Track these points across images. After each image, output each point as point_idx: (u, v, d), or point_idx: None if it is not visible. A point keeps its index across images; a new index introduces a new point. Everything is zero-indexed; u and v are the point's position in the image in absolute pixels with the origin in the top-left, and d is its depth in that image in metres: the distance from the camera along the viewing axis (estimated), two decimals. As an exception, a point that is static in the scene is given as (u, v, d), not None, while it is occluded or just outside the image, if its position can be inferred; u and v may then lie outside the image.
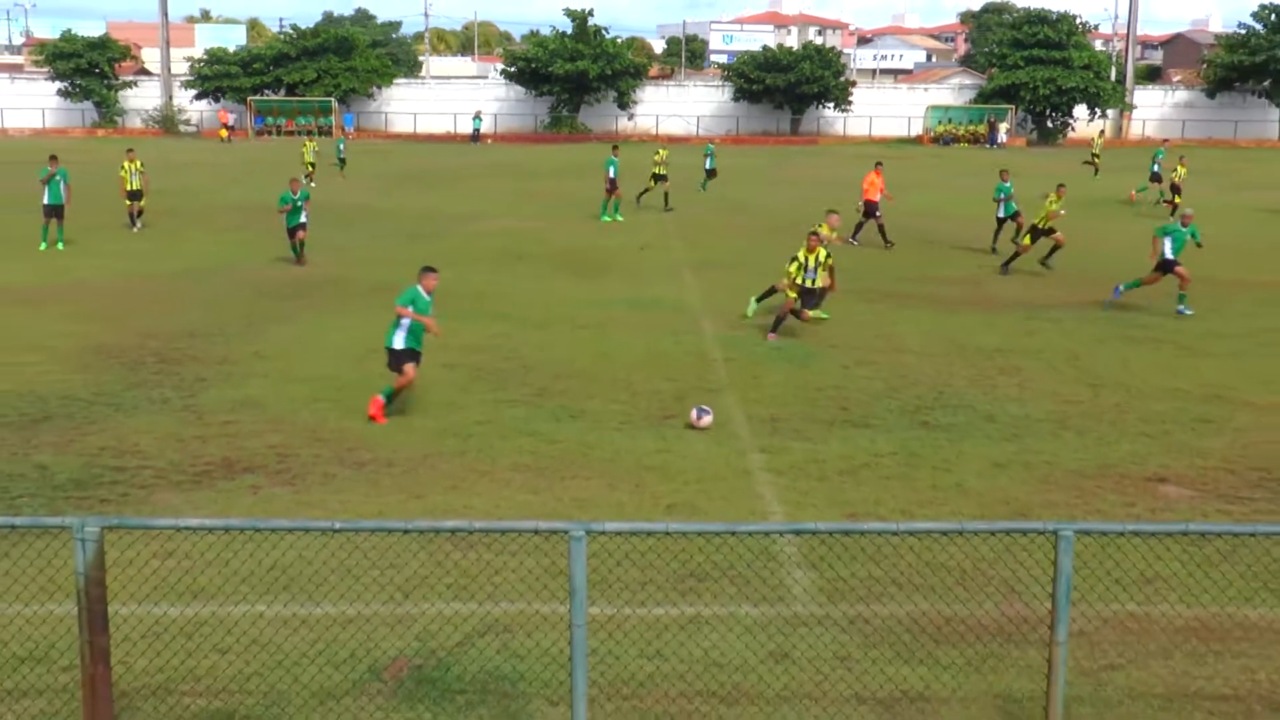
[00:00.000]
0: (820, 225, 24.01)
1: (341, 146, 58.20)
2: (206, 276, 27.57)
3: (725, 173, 50.25)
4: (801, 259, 21.23)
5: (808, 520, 12.39)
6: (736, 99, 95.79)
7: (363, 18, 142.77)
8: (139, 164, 35.44)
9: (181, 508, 12.68)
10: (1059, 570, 7.78)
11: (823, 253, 21.38)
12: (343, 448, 14.80)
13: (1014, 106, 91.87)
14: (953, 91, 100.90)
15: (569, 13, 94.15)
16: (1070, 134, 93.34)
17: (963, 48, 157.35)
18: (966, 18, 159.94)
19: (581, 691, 7.77)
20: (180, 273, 28.08)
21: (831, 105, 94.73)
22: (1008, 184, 32.95)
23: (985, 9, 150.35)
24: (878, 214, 33.93)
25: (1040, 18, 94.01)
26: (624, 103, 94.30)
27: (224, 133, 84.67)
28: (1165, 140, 65.79)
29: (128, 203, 35.26)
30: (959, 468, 14.36)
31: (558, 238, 34.69)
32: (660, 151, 44.18)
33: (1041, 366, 19.62)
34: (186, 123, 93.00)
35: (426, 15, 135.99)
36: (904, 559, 11.12)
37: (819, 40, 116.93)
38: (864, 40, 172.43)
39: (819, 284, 21.45)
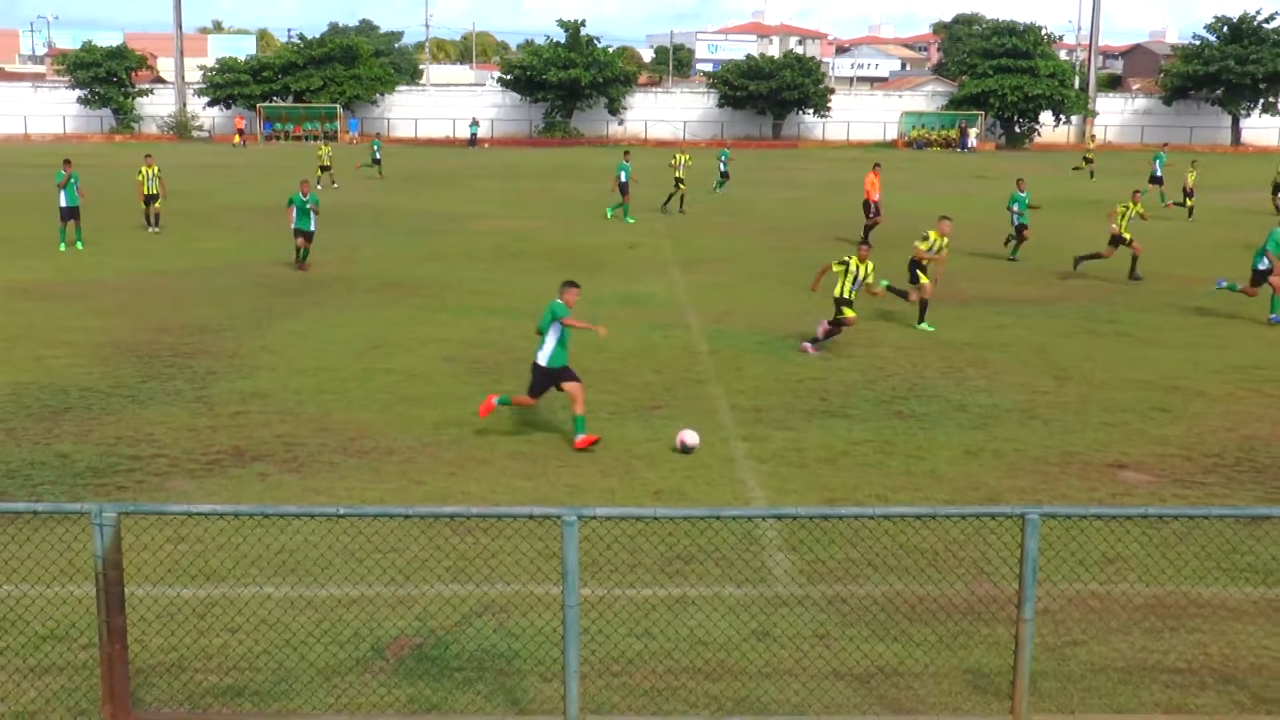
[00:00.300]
0: (931, 231, 22.91)
1: (377, 147, 57.77)
2: (218, 274, 27.48)
3: (711, 175, 50.15)
4: (853, 268, 19.64)
5: (788, 505, 12.41)
6: (721, 105, 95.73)
7: (366, 28, 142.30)
8: (156, 169, 35.20)
9: (194, 494, 12.65)
10: (1025, 552, 7.78)
11: (871, 265, 19.89)
12: (346, 437, 14.76)
13: (984, 112, 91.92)
14: (926, 98, 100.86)
15: (562, 23, 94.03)
16: (1036, 138, 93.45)
17: (935, 57, 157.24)
18: (939, 28, 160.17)
19: (573, 669, 7.76)
20: (193, 271, 27.99)
21: (811, 111, 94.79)
22: (1024, 194, 31.59)
23: (956, 20, 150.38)
24: (874, 214, 33.93)
25: (1008, 29, 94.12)
26: (614, 109, 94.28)
27: (236, 138, 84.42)
28: (1164, 144, 65.87)
29: (144, 206, 35.07)
30: (931, 455, 14.37)
31: (551, 236, 34.63)
32: (677, 156, 42.72)
33: (1010, 359, 19.62)
34: (199, 128, 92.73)
35: (427, 26, 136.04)
36: (879, 542, 11.12)
37: (799, 49, 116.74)
38: (842, 50, 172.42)
39: (856, 295, 19.77)
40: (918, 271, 22.44)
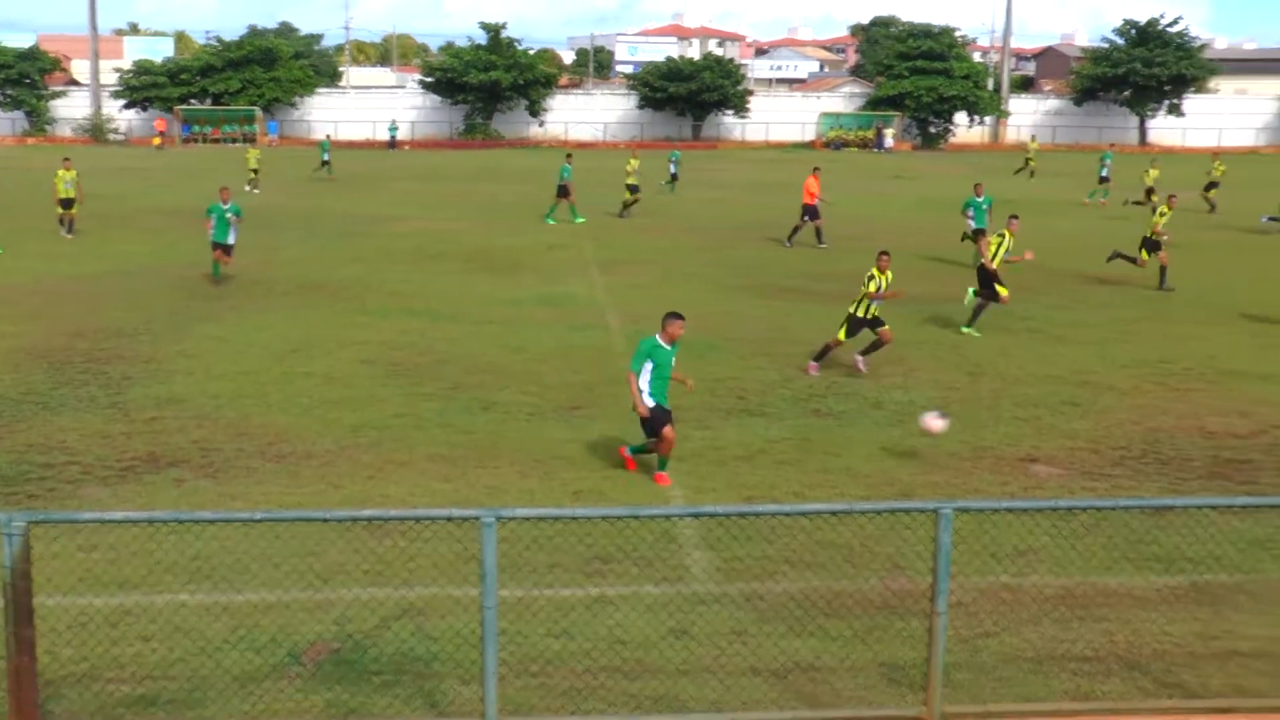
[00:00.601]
0: (1004, 230, 22.44)
1: (326, 149, 57.06)
2: (134, 278, 27.02)
3: (660, 175, 49.96)
4: (880, 280, 18.36)
5: (706, 504, 12.43)
6: (641, 106, 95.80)
7: (286, 30, 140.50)
8: (74, 174, 34.29)
9: (108, 501, 12.42)
10: (939, 546, 7.85)
11: (891, 275, 18.53)
12: (264, 441, 14.57)
13: (900, 113, 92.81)
14: (844, 99, 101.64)
15: (484, 25, 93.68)
16: (951, 139, 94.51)
17: (853, 58, 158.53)
18: (856, 30, 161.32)
19: (492, 670, 7.72)
20: (109, 274, 27.49)
21: (731, 112, 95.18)
22: (981, 199, 30.54)
23: (874, 22, 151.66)
24: (816, 216, 34.02)
25: (924, 31, 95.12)
26: (535, 110, 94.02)
27: (156, 140, 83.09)
28: (1111, 145, 66.83)
29: (60, 210, 34.25)
30: (848, 452, 14.46)
31: (472, 238, 34.46)
32: (632, 161, 42.26)
33: (925, 356, 19.81)
34: (115, 131, 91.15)
35: (347, 28, 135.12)
36: (796, 538, 11.16)
37: (719, 52, 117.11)
38: (761, 51, 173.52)
39: (875, 313, 18.41)
40: (995, 285, 21.87)
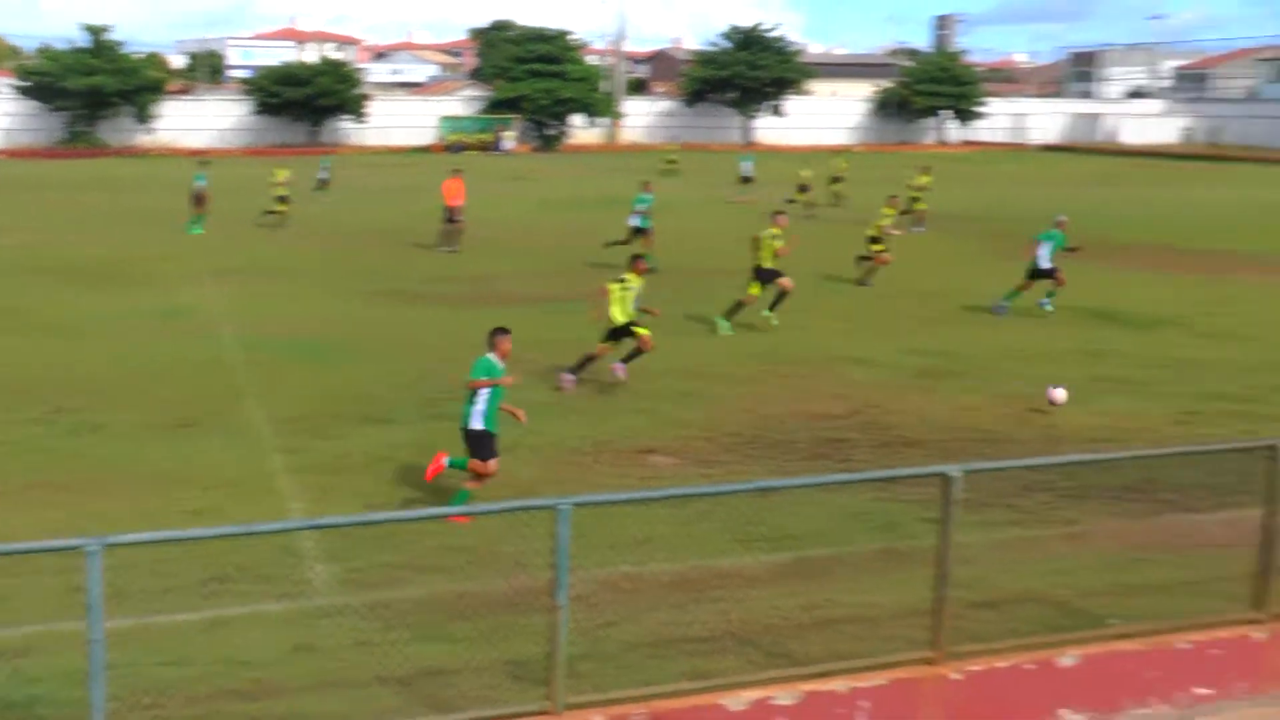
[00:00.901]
0: (771, 228, 22.62)
1: None
2: None
3: (253, 184, 48.43)
4: (635, 287, 18.02)
5: (327, 515, 12.17)
6: (258, 112, 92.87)
7: None
8: None
9: None
10: (558, 541, 8.00)
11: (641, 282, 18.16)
12: None
13: (518, 116, 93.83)
14: (463, 103, 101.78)
15: (88, 27, 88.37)
16: (568, 140, 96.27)
17: (472, 62, 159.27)
18: (475, 34, 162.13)
19: (99, 706, 7.31)
20: None
21: (349, 117, 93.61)
22: (649, 195, 31.22)
23: (492, 26, 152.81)
24: (458, 219, 33.78)
25: (539, 35, 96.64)
26: (143, 117, 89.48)
27: None
28: (750, 144, 69.44)
29: None
30: (472, 453, 14.47)
31: (77, 250, 32.47)
32: (281, 172, 40.46)
33: (543, 356, 20.04)
34: None
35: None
36: (421, 544, 11.11)
37: (338, 56, 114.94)
38: (379, 55, 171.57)
39: (634, 317, 18.01)
40: (772, 276, 22.42)
